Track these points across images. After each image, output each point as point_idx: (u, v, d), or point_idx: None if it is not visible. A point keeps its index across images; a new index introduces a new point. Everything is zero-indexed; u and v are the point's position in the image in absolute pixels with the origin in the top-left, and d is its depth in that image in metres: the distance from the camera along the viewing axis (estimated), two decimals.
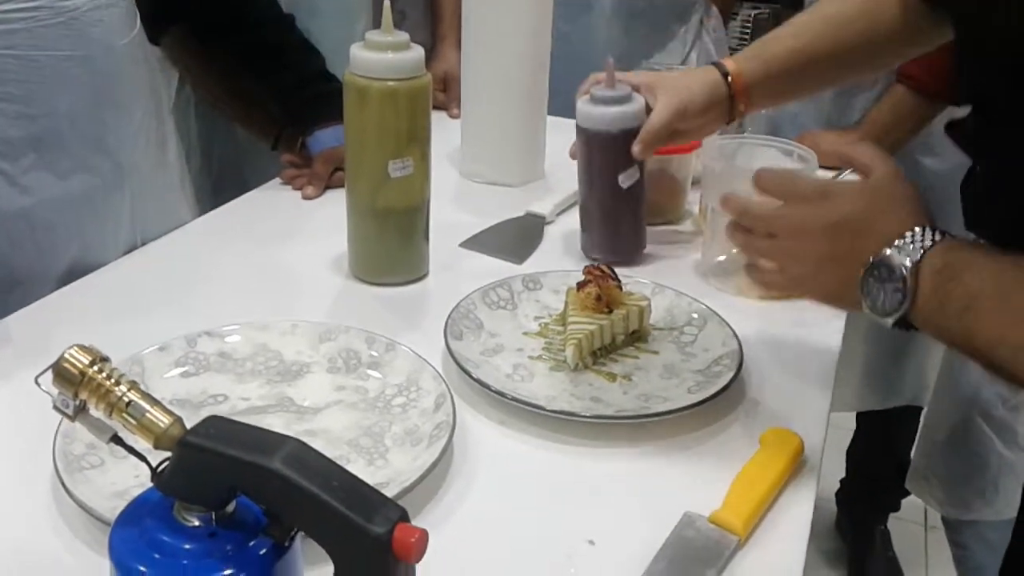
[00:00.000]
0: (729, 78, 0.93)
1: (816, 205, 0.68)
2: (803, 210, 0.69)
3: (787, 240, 0.70)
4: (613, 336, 0.84)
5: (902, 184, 0.68)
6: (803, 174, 0.78)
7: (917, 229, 0.63)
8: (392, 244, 0.96)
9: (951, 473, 1.41)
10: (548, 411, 0.73)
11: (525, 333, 0.87)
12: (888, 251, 0.62)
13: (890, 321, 0.63)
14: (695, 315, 0.88)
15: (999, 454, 1.41)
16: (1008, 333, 0.58)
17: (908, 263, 0.62)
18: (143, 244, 1.02)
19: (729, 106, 0.94)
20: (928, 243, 0.62)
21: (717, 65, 0.94)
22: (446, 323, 0.83)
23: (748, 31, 3.06)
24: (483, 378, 0.76)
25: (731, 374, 0.78)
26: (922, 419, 1.64)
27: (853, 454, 1.89)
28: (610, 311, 0.84)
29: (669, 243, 1.09)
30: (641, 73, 1.00)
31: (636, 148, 0.95)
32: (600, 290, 0.84)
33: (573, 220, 1.07)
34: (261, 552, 0.44)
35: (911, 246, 0.62)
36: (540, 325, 0.88)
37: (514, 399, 0.74)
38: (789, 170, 0.76)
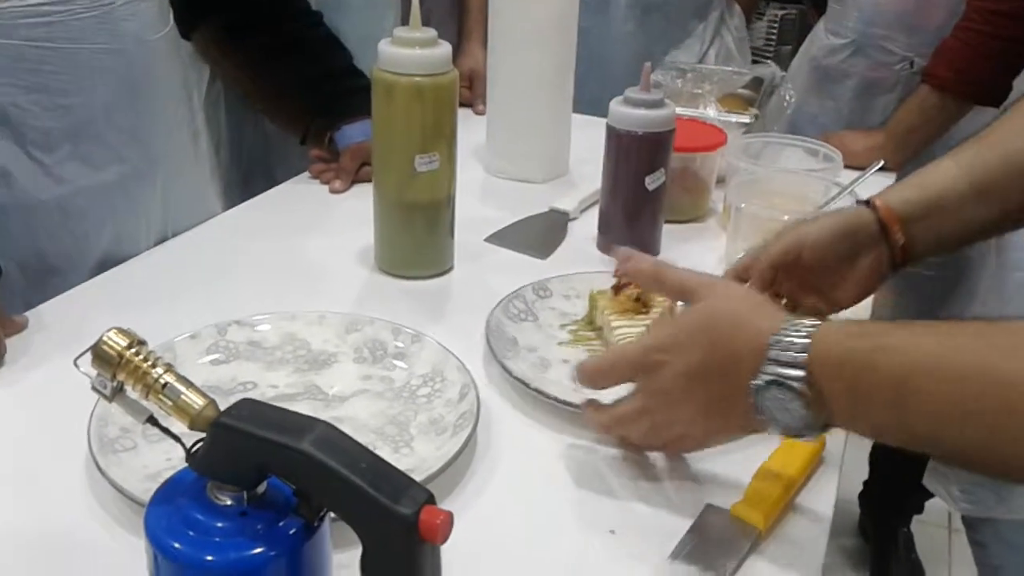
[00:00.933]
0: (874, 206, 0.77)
1: (668, 365, 0.63)
2: (658, 378, 0.63)
3: (662, 413, 0.65)
4: None
5: (735, 292, 0.65)
6: (627, 347, 0.68)
7: (781, 335, 0.56)
8: (418, 238, 0.97)
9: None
10: (575, 406, 0.72)
11: (560, 344, 0.85)
12: (765, 376, 0.56)
13: (811, 438, 0.58)
14: None
15: None
16: (962, 408, 0.50)
17: (797, 374, 0.55)
18: (174, 235, 1.03)
19: (884, 242, 0.77)
20: (801, 341, 0.55)
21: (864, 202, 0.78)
22: (488, 341, 0.81)
23: (775, 31, 3.03)
24: (541, 387, 0.75)
25: None
26: None
27: (876, 456, 1.88)
28: (647, 311, 0.84)
29: (693, 241, 1.09)
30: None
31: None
32: (639, 290, 0.84)
33: (597, 217, 1.07)
34: (291, 531, 0.45)
35: (787, 355, 0.56)
36: (571, 334, 0.87)
37: (537, 390, 0.74)
38: (608, 352, 0.68)
